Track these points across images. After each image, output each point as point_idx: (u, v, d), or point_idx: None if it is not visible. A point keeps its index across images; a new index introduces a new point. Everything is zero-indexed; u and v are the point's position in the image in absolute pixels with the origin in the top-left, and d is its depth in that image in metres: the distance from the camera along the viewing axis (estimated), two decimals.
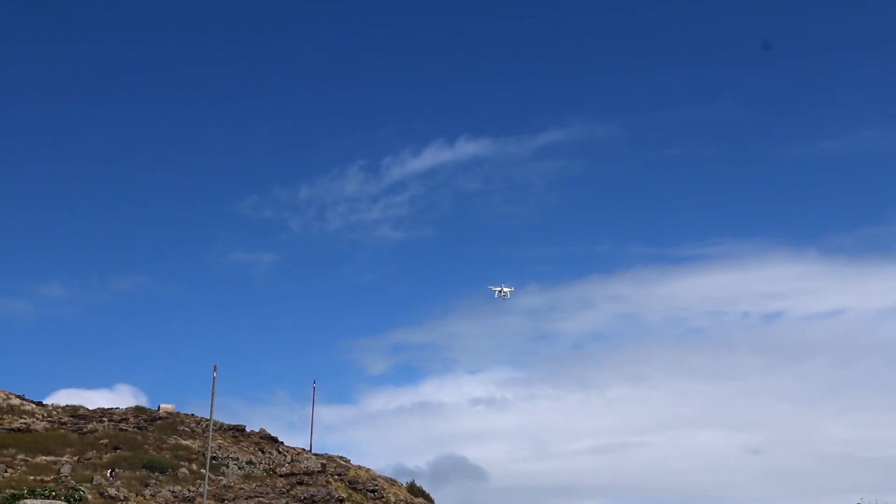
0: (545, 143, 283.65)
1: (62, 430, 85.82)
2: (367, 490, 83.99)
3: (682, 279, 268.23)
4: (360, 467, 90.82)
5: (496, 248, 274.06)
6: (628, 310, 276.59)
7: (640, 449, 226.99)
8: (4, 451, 76.30)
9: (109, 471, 74.71)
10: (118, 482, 72.99)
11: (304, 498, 77.22)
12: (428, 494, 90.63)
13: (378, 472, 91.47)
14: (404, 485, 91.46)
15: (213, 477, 75.82)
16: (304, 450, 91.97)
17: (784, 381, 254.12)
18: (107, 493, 68.69)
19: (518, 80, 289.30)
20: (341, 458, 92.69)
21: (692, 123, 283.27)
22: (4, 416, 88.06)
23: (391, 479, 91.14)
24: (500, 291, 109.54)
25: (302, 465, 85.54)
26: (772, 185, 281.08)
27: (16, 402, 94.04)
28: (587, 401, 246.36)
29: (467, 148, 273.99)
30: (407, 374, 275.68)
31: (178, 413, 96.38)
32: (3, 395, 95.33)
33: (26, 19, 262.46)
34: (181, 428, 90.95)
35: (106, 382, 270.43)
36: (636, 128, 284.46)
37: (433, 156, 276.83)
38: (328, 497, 78.70)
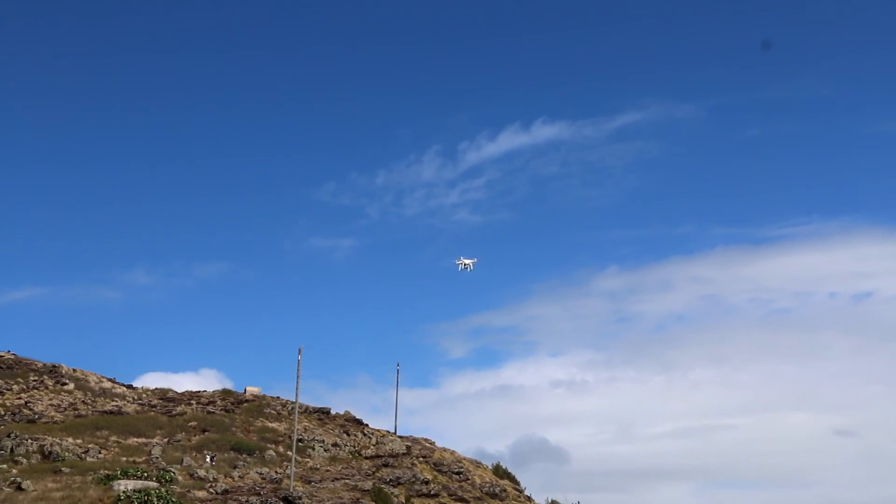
0: (622, 125, 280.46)
1: (152, 413, 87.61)
2: (453, 472, 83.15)
3: (766, 260, 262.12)
4: (444, 449, 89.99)
5: (574, 231, 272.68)
6: (711, 291, 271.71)
7: (725, 432, 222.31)
8: (98, 433, 78.07)
9: (209, 455, 75.50)
10: (208, 464, 73.73)
11: (390, 479, 76.71)
12: (514, 476, 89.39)
13: (462, 455, 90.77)
14: (490, 467, 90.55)
15: (299, 459, 76.19)
16: (388, 432, 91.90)
17: (875, 362, 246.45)
18: (197, 475, 69.34)
19: (593, 62, 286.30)
20: (426, 440, 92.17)
21: (773, 102, 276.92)
22: (98, 399, 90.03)
23: (476, 462, 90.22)
24: (462, 264, 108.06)
25: (387, 448, 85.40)
26: (858, 162, 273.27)
27: (108, 385, 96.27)
28: (670, 383, 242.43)
29: (544, 131, 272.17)
30: (487, 357, 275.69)
31: (263, 396, 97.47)
32: (95, 378, 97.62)
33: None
34: (267, 411, 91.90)
35: (191, 366, 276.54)
36: (715, 108, 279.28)
37: (509, 140, 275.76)
38: (414, 479, 78.16)
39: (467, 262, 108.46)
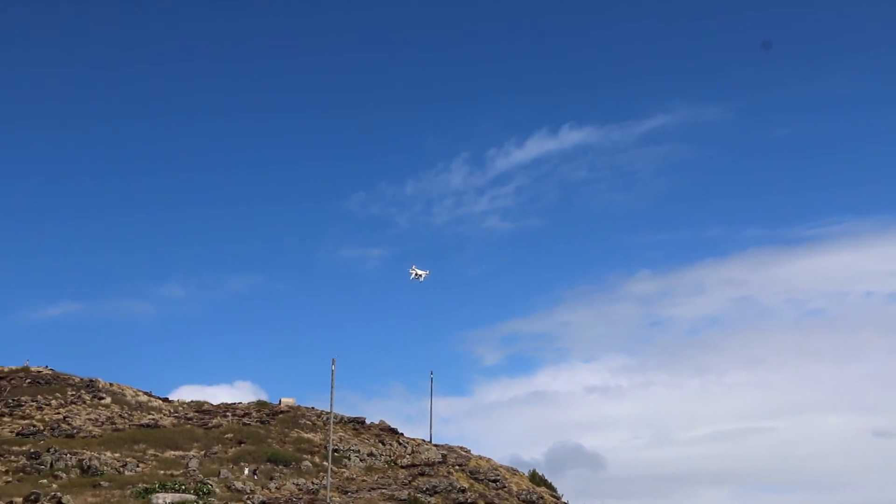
0: (650, 129, 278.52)
1: (188, 425, 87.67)
2: (489, 480, 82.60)
3: (799, 260, 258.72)
4: (480, 457, 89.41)
5: (604, 235, 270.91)
6: (744, 293, 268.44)
7: (762, 435, 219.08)
8: (135, 447, 78.30)
9: (249, 469, 75.38)
10: (245, 476, 73.59)
11: (427, 489, 76.15)
12: (550, 483, 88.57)
13: (498, 463, 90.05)
14: (526, 474, 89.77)
15: (335, 469, 75.96)
16: (423, 441, 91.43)
17: None
18: (234, 487, 69.23)
19: (620, 66, 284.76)
20: (462, 448, 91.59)
21: (802, 101, 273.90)
22: (134, 413, 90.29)
23: (512, 469, 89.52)
24: (415, 273, 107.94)
25: (423, 457, 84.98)
26: (890, 160, 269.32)
27: (144, 398, 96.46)
28: (705, 387, 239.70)
29: (571, 136, 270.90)
30: (521, 364, 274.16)
31: (298, 407, 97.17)
32: (131, 392, 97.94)
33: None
34: (302, 421, 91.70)
35: (226, 378, 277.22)
36: (742, 109, 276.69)
37: (537, 146, 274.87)
38: (450, 487, 77.56)
39: (420, 272, 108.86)
